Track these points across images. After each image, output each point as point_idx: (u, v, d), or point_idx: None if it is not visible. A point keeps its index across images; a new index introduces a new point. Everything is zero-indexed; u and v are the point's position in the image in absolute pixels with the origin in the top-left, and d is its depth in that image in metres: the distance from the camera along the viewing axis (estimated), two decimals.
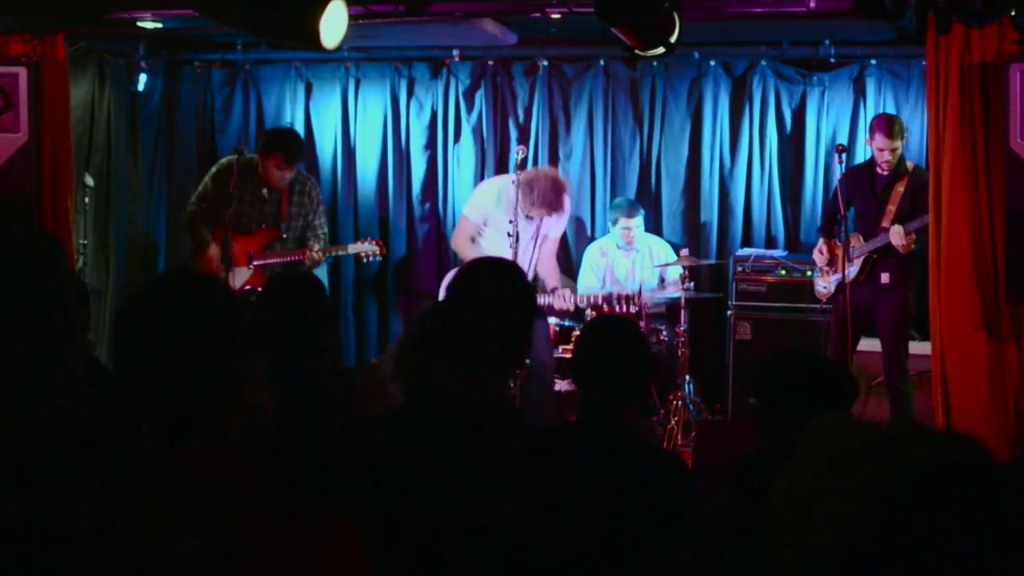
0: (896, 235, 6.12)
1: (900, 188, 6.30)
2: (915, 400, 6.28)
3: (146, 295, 1.76)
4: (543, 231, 6.58)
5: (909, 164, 6.41)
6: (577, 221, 7.77)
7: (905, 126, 6.48)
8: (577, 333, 6.83)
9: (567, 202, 6.66)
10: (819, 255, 6.60)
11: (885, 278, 6.27)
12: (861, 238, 6.38)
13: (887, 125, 6.26)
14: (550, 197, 6.44)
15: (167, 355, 1.66)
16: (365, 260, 7.04)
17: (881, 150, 6.25)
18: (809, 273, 6.85)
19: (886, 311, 6.27)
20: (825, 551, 1.12)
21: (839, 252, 6.42)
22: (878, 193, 6.34)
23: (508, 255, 6.04)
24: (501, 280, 2.72)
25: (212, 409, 1.69)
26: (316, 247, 6.75)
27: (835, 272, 6.46)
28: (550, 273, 6.77)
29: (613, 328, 3.00)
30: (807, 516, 1.16)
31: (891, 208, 6.29)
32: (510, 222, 6.09)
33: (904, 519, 1.07)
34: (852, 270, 6.32)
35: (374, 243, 6.95)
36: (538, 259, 6.61)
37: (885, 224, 6.26)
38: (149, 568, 1.60)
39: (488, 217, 6.73)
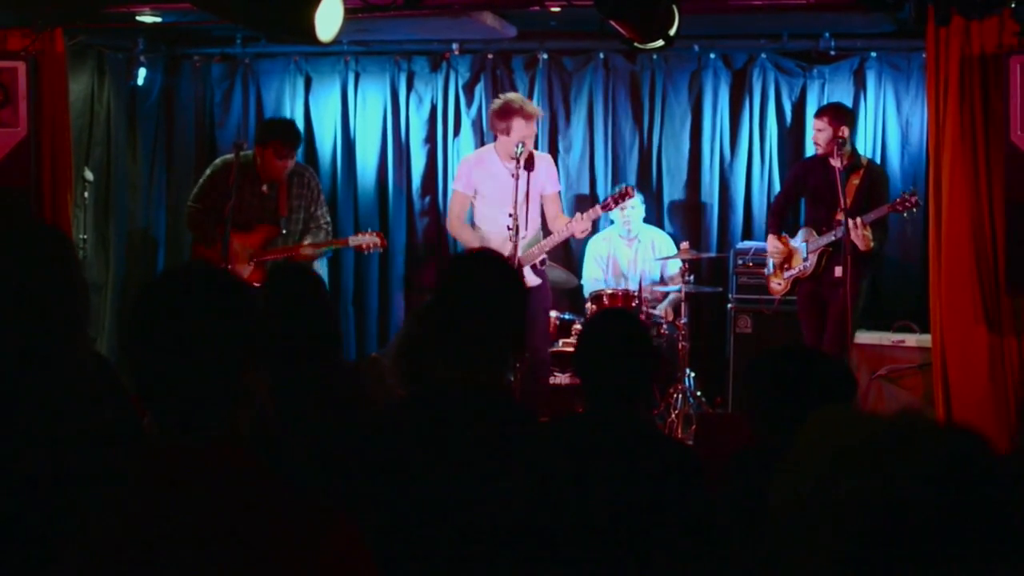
0: (851, 228, 6.07)
1: (855, 181, 6.30)
2: (917, 391, 6.32)
3: (160, 287, 1.76)
4: (536, 187, 6.35)
5: (863, 159, 6.43)
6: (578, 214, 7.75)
7: (852, 117, 6.65)
8: (578, 327, 6.91)
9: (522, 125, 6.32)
10: (775, 254, 6.61)
11: (839, 271, 6.24)
12: (814, 232, 6.39)
13: (820, 109, 6.49)
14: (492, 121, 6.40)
15: (181, 348, 1.66)
16: (366, 252, 6.99)
17: (817, 130, 6.37)
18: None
19: (837, 303, 6.21)
20: (825, 550, 1.12)
21: (790, 247, 6.49)
22: (833, 184, 6.27)
23: (503, 223, 6.03)
24: (491, 272, 2.72)
25: (221, 404, 1.69)
26: (306, 241, 6.70)
27: (788, 268, 6.52)
28: (562, 229, 6.45)
29: (616, 322, 2.99)
30: (806, 514, 1.16)
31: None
32: (509, 215, 6.03)
33: (907, 518, 1.07)
34: (808, 265, 6.36)
35: (375, 235, 6.87)
36: (549, 219, 6.44)
37: (839, 217, 6.21)
38: (152, 563, 1.60)
39: (476, 186, 6.46)
